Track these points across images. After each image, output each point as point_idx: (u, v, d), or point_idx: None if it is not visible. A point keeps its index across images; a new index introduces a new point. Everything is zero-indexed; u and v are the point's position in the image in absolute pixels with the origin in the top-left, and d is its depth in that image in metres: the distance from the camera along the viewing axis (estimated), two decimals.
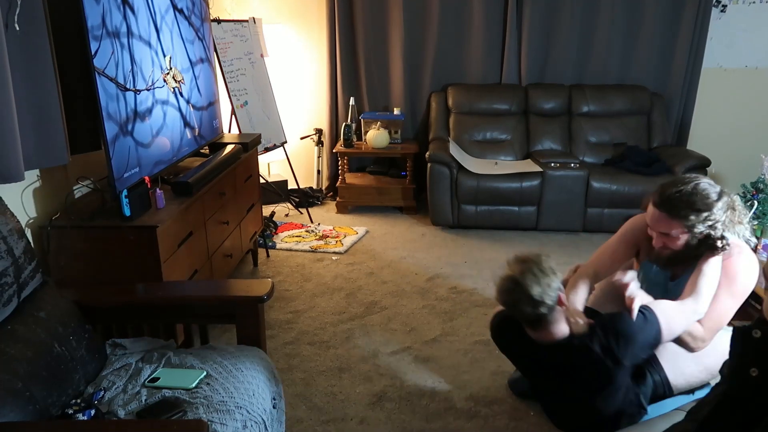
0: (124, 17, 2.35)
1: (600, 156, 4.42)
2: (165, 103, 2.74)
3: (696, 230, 1.92)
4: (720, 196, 1.95)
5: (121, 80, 2.29)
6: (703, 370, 2.08)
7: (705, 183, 1.97)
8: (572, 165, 4.09)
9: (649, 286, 2.13)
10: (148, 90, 2.55)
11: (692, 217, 1.91)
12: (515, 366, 2.30)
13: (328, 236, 4.13)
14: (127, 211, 2.22)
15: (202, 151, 3.24)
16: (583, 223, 4.15)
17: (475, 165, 4.19)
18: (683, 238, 1.95)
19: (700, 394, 2.07)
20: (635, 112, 4.51)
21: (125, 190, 2.23)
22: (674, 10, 4.49)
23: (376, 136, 4.51)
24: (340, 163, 4.63)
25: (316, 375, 2.55)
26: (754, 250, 2.80)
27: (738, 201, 2.02)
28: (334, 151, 4.76)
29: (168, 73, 2.78)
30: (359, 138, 4.73)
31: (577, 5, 4.51)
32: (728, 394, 1.35)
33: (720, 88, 4.76)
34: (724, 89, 4.76)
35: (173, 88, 2.84)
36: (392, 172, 4.80)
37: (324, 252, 3.88)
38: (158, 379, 1.69)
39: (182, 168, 2.91)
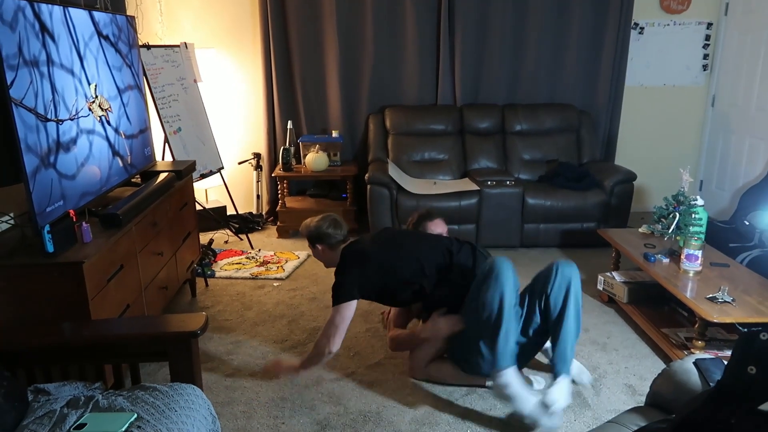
0: (44, 45, 2.25)
1: (534, 173, 4.56)
2: (91, 132, 2.64)
3: None
4: None
5: (41, 110, 2.19)
6: None
7: None
8: (508, 183, 4.19)
9: None
10: (71, 120, 2.45)
11: None
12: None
13: (269, 262, 4.06)
14: (50, 247, 2.11)
15: (133, 180, 3.14)
16: (520, 239, 4.25)
17: (414, 185, 4.23)
18: None
19: None
20: (565, 130, 4.69)
21: (48, 225, 2.12)
22: (597, 31, 4.72)
23: (315, 159, 4.49)
24: (279, 187, 4.58)
25: (258, 407, 2.48)
26: (678, 259, 2.95)
27: None
28: (273, 175, 4.71)
29: (93, 102, 2.69)
30: (298, 161, 4.70)
31: (506, 29, 4.67)
32: (720, 390, 1.39)
33: (642, 105, 5.03)
34: (645, 106, 5.04)
35: (100, 117, 2.74)
36: (333, 194, 4.78)
37: (265, 279, 3.80)
38: (85, 425, 1.59)
39: (112, 199, 2.80)
